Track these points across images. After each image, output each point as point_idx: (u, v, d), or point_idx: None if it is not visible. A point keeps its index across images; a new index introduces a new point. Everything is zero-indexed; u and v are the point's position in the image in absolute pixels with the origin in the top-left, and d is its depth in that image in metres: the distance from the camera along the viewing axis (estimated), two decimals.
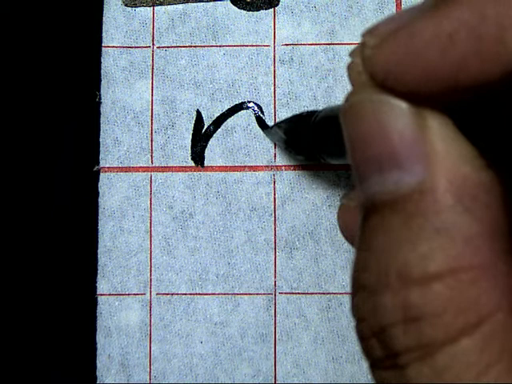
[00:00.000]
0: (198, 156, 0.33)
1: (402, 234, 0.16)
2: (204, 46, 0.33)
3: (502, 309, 0.15)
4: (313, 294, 0.32)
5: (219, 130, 0.33)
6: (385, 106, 0.16)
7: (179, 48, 0.33)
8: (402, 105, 0.16)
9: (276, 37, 0.33)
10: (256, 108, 0.32)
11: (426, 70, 0.16)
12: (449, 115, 0.16)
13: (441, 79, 0.16)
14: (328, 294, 0.32)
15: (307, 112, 0.29)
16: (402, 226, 0.16)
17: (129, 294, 0.32)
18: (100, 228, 0.32)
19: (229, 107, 0.33)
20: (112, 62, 0.33)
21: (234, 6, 0.33)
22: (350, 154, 0.17)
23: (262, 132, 0.33)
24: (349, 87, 0.31)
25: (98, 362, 0.32)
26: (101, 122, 0.33)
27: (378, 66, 0.16)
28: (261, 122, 0.32)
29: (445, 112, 0.16)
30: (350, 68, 0.18)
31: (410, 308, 0.16)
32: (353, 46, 0.32)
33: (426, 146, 0.16)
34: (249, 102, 0.33)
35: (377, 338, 0.16)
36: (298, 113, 0.30)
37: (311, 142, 0.27)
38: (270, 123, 0.33)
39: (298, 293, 0.32)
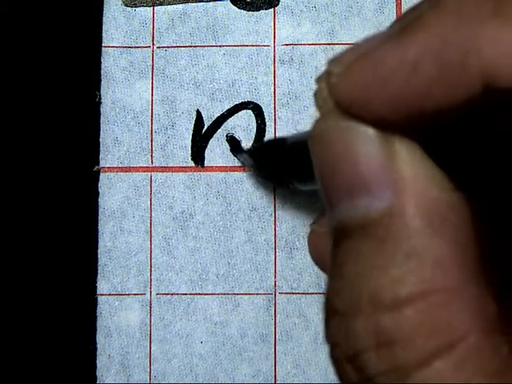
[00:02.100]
0: (197, 156, 0.33)
1: (373, 258, 0.16)
2: (204, 46, 0.33)
3: (474, 331, 0.15)
4: (313, 294, 0.32)
5: (219, 130, 0.33)
6: (352, 132, 0.17)
7: (179, 48, 0.33)
8: (369, 131, 0.16)
9: (276, 37, 0.33)
10: (231, 137, 0.32)
11: (391, 97, 0.16)
12: (416, 139, 0.16)
13: (406, 106, 0.16)
14: None
15: (277, 138, 0.29)
16: (372, 251, 0.16)
17: (129, 294, 0.32)
18: (100, 228, 0.32)
19: (229, 107, 0.33)
20: (112, 62, 0.33)
21: (234, 6, 0.33)
22: (319, 180, 0.18)
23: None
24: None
25: (98, 362, 0.32)
26: (101, 121, 0.33)
27: (343, 93, 0.17)
28: (234, 144, 0.32)
29: (412, 136, 0.16)
30: (316, 95, 0.18)
31: (382, 332, 0.16)
32: None
33: (393, 170, 0.16)
34: (248, 102, 0.33)
35: (351, 363, 0.16)
36: (267, 139, 0.30)
37: (281, 168, 0.27)
38: (270, 123, 0.33)
39: (298, 293, 0.32)
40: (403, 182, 0.16)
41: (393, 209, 0.16)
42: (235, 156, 0.32)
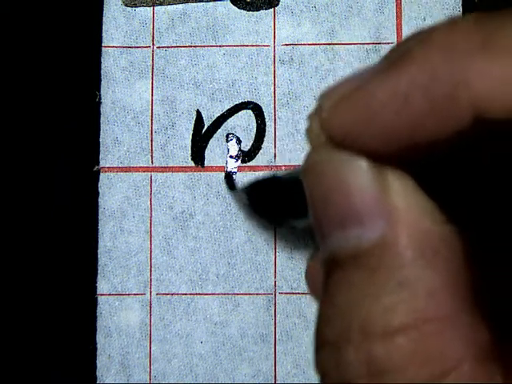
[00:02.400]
0: (197, 156, 0.33)
1: (365, 288, 0.16)
2: (204, 46, 0.33)
3: (466, 360, 0.15)
4: None
5: (219, 130, 0.33)
6: (344, 164, 0.17)
7: (179, 48, 0.33)
8: (362, 163, 0.17)
9: (276, 37, 0.33)
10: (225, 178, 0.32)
11: (382, 130, 0.16)
12: (408, 170, 0.17)
13: (397, 139, 0.16)
14: None
15: (270, 176, 0.29)
16: (364, 281, 0.16)
17: (129, 294, 0.32)
18: (100, 228, 0.32)
19: (229, 107, 0.33)
20: (112, 62, 0.33)
21: (234, 6, 0.33)
22: (312, 212, 0.18)
23: (263, 129, 0.33)
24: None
25: (98, 362, 0.32)
26: (101, 121, 0.33)
27: (334, 128, 0.17)
28: (230, 183, 0.32)
29: (404, 168, 0.17)
30: (308, 129, 0.18)
31: (374, 362, 0.16)
32: (353, 46, 0.33)
33: (386, 202, 0.16)
34: (248, 102, 0.33)
35: None
36: (260, 177, 0.30)
37: (276, 205, 0.28)
38: (270, 123, 0.33)
39: (298, 293, 0.32)
40: (396, 213, 0.16)
41: (385, 239, 0.16)
42: (231, 195, 0.32)
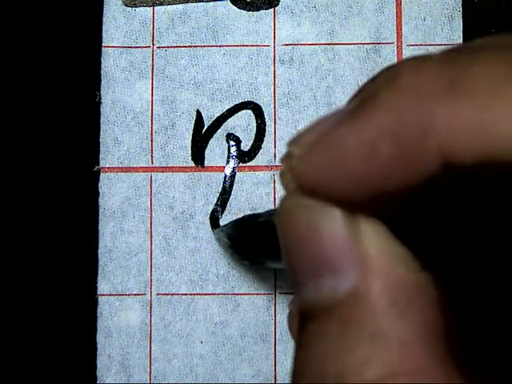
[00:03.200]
0: (197, 156, 0.33)
1: (338, 341, 0.16)
2: (204, 46, 0.33)
3: None
4: None
5: (219, 130, 0.33)
6: (316, 211, 0.16)
7: (179, 48, 0.33)
8: (333, 210, 0.16)
9: (276, 37, 0.33)
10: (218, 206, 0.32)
11: (351, 178, 0.16)
12: (380, 218, 0.16)
13: (368, 186, 0.16)
14: None
15: (249, 215, 0.30)
16: (338, 333, 0.16)
17: (129, 295, 0.32)
18: (100, 228, 0.32)
19: (229, 107, 0.33)
20: (112, 62, 0.33)
21: (234, 6, 0.33)
22: (285, 259, 0.17)
23: (262, 132, 0.33)
24: (348, 87, 0.32)
25: (98, 361, 0.32)
26: (101, 121, 0.33)
27: (303, 176, 0.16)
28: (213, 222, 0.32)
29: (376, 215, 0.16)
30: (281, 175, 0.18)
31: None
32: (353, 46, 0.33)
33: (358, 250, 0.16)
34: (248, 102, 0.33)
35: None
36: (240, 217, 0.30)
37: (252, 245, 0.28)
38: (270, 123, 0.33)
39: None
40: (369, 262, 0.16)
41: (358, 289, 0.16)
42: (213, 234, 0.32)
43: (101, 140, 0.33)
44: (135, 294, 0.32)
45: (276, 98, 0.33)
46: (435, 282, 0.16)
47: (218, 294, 0.32)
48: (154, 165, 0.33)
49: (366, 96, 0.16)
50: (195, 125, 0.33)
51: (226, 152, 0.33)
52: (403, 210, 0.17)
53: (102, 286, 0.32)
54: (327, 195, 0.16)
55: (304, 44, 0.33)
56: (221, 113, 0.33)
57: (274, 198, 0.32)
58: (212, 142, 0.33)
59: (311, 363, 0.16)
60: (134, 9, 0.33)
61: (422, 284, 0.16)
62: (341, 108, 0.17)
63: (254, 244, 0.28)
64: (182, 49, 0.33)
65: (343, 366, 0.15)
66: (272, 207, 0.32)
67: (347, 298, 0.16)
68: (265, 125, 0.33)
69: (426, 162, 0.15)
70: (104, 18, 0.33)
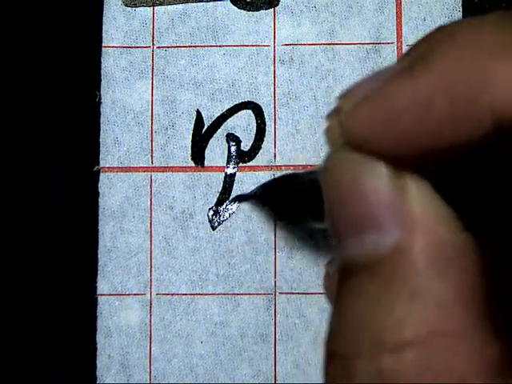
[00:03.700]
0: (197, 156, 0.33)
1: (378, 297, 0.16)
2: (204, 46, 0.33)
3: (475, 375, 0.15)
4: (313, 294, 0.32)
5: (219, 130, 0.33)
6: (363, 166, 0.16)
7: (179, 48, 0.33)
8: (380, 166, 0.16)
9: (276, 37, 0.33)
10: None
11: (402, 135, 0.16)
12: (427, 177, 0.16)
13: (417, 143, 0.16)
14: None
15: (288, 174, 0.29)
16: (378, 290, 0.16)
17: (129, 294, 0.32)
18: (100, 228, 0.32)
19: (229, 107, 0.33)
20: (112, 62, 0.33)
21: (234, 6, 0.33)
22: (328, 215, 0.17)
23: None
24: (348, 87, 0.31)
25: (98, 362, 0.32)
26: (101, 121, 0.33)
27: (353, 131, 0.16)
28: (243, 195, 0.32)
29: (423, 173, 0.16)
30: (326, 132, 0.17)
31: (384, 375, 0.15)
32: (353, 46, 0.33)
33: (403, 207, 0.16)
34: (248, 102, 0.33)
35: None
36: (278, 176, 0.30)
37: (292, 204, 0.27)
38: (270, 123, 0.33)
39: (298, 293, 0.32)
40: (413, 220, 0.16)
41: (400, 246, 0.16)
42: (247, 199, 0.32)
43: (101, 140, 0.33)
44: (135, 294, 0.32)
45: (276, 97, 0.33)
46: (476, 245, 0.16)
47: (218, 294, 0.32)
48: (153, 165, 0.33)
49: (420, 53, 0.16)
50: (195, 125, 0.33)
51: (226, 152, 0.33)
52: (450, 169, 0.16)
53: (102, 286, 0.32)
54: (375, 151, 0.16)
55: (304, 44, 0.33)
56: (221, 113, 0.33)
57: None
58: (212, 142, 0.33)
59: (349, 320, 0.16)
60: (134, 9, 0.33)
61: (463, 245, 0.16)
62: (393, 64, 0.17)
63: (293, 202, 0.27)
64: (182, 49, 0.33)
65: (381, 323, 0.15)
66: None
67: (389, 255, 0.16)
68: (265, 125, 0.33)
69: (478, 121, 0.15)
70: (104, 18, 0.33)
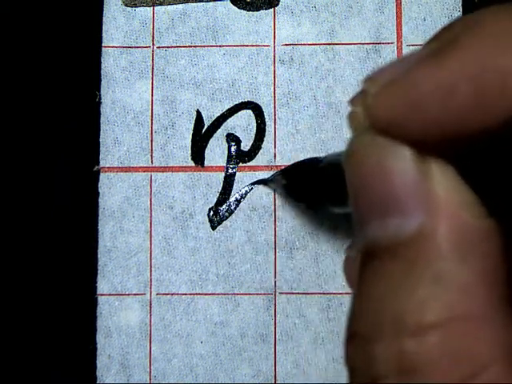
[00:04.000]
0: (197, 156, 0.33)
1: (401, 280, 0.16)
2: (204, 46, 0.33)
3: (498, 361, 0.15)
4: (313, 294, 0.32)
5: (219, 129, 0.33)
6: (387, 150, 0.16)
7: (179, 48, 0.33)
8: (405, 150, 0.16)
9: (276, 37, 0.33)
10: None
11: (427, 120, 0.16)
12: (451, 162, 0.16)
13: (442, 129, 0.16)
14: (328, 294, 0.32)
15: (310, 158, 0.29)
16: (400, 272, 0.16)
17: (129, 294, 0.32)
18: (100, 228, 0.32)
19: (229, 107, 0.33)
20: (112, 62, 0.33)
21: (234, 6, 0.33)
22: (351, 198, 0.17)
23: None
24: (348, 87, 0.31)
25: (97, 362, 0.32)
26: (101, 121, 0.33)
27: (378, 115, 0.17)
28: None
29: (447, 158, 0.16)
30: (351, 116, 0.18)
31: (405, 358, 0.15)
32: (353, 46, 0.33)
33: (428, 191, 0.16)
34: (248, 102, 0.33)
35: None
36: (301, 159, 0.30)
37: (315, 189, 0.27)
38: (270, 123, 0.33)
39: (298, 293, 0.32)
40: (437, 204, 0.16)
41: (424, 230, 0.16)
42: (266, 183, 0.32)
43: (101, 140, 0.33)
44: (135, 294, 0.32)
45: (276, 97, 0.33)
46: (500, 231, 0.16)
47: (218, 294, 0.32)
48: (153, 165, 0.33)
49: (446, 40, 0.16)
50: (195, 125, 0.33)
51: (226, 152, 0.33)
52: (474, 155, 0.17)
53: (102, 286, 0.32)
54: (400, 135, 0.16)
55: (304, 44, 0.33)
56: (221, 113, 0.33)
57: (274, 198, 0.32)
58: (212, 142, 0.33)
59: (370, 301, 0.16)
60: (134, 9, 0.33)
61: (486, 231, 0.16)
62: (418, 50, 0.17)
63: (314, 186, 0.27)
64: (182, 49, 0.33)
65: (402, 307, 0.16)
66: (272, 207, 0.32)
67: (412, 238, 0.16)
68: (265, 125, 0.33)
69: (503, 109, 0.15)
70: (104, 18, 0.33)
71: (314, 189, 0.28)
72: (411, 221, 0.16)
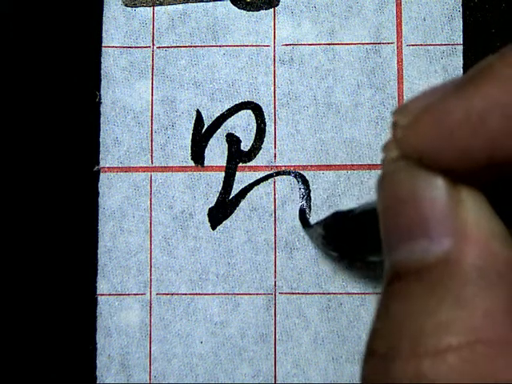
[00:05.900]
0: (197, 156, 0.33)
1: (423, 302, 0.16)
2: (204, 46, 0.33)
3: None
4: (313, 294, 0.32)
5: (219, 129, 0.33)
6: (419, 177, 0.17)
7: (179, 48, 0.33)
8: (437, 179, 0.17)
9: (276, 37, 0.33)
10: (304, 204, 0.32)
11: (458, 149, 0.16)
12: (482, 190, 0.17)
13: (474, 157, 0.16)
14: (328, 294, 0.32)
15: (345, 210, 0.29)
16: (423, 295, 0.16)
17: (129, 294, 0.32)
18: (100, 228, 0.32)
19: (229, 107, 0.33)
20: (112, 62, 0.33)
21: (234, 6, 0.33)
22: (381, 222, 0.18)
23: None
24: (348, 87, 0.32)
25: (97, 362, 0.32)
26: (101, 121, 0.33)
27: (410, 146, 0.17)
28: (303, 218, 0.32)
29: (478, 186, 0.16)
30: (384, 148, 0.18)
31: (422, 379, 0.15)
32: (353, 46, 0.33)
33: (457, 217, 0.16)
34: (248, 102, 0.33)
35: None
36: (335, 211, 0.30)
37: (349, 239, 0.28)
38: (270, 123, 0.33)
39: (298, 293, 0.32)
40: (466, 231, 0.16)
41: (451, 255, 0.16)
42: (304, 230, 0.32)
43: (101, 140, 0.33)
44: (135, 294, 0.32)
45: (276, 97, 0.33)
46: None
47: (218, 294, 0.32)
48: (153, 165, 0.33)
49: (477, 69, 0.16)
50: (195, 125, 0.33)
51: (226, 152, 0.33)
52: (506, 184, 0.17)
53: (102, 286, 0.32)
54: (431, 164, 0.16)
55: (304, 44, 0.33)
56: (221, 113, 0.33)
57: (274, 198, 0.32)
58: (212, 142, 0.33)
59: (392, 320, 0.16)
60: (134, 9, 0.33)
61: None
62: (449, 80, 0.17)
63: (350, 236, 0.28)
64: (182, 49, 0.33)
65: (423, 327, 0.16)
66: (272, 207, 0.32)
67: (438, 262, 0.16)
68: (265, 125, 0.33)
69: None
70: (104, 18, 0.33)
71: (349, 238, 0.28)
72: (438, 245, 0.16)
